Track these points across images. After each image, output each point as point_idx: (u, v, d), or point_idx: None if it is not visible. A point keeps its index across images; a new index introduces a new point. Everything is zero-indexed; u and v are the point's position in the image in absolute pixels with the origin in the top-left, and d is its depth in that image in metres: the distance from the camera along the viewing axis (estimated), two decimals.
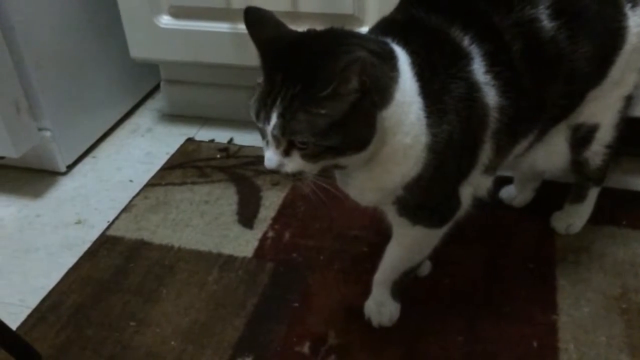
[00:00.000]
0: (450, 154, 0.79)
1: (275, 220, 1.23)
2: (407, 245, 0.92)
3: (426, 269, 1.05)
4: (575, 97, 0.91)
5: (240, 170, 1.38)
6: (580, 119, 0.96)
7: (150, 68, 1.60)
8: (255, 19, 0.76)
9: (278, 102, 0.70)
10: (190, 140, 1.50)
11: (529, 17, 0.80)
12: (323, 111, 0.69)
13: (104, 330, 1.01)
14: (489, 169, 0.88)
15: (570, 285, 1.02)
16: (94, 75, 1.49)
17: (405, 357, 0.94)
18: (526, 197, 1.18)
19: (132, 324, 1.02)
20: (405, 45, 0.77)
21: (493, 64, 0.79)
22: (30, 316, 1.05)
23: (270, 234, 1.19)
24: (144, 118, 1.62)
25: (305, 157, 0.73)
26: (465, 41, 0.79)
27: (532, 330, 0.95)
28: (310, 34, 0.75)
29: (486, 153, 0.84)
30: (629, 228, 1.12)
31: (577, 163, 1.02)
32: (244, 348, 0.97)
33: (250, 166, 1.39)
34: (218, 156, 1.43)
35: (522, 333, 0.95)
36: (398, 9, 0.86)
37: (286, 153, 0.73)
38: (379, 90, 0.72)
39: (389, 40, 0.78)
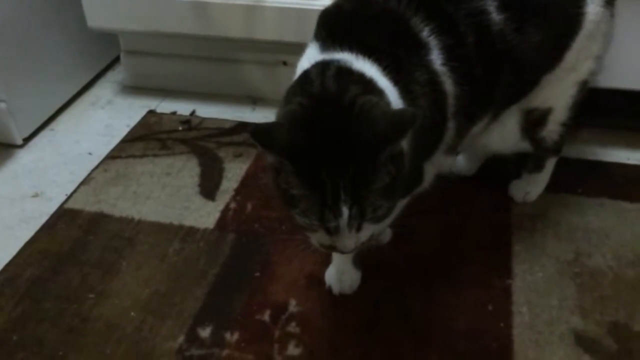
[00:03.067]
0: (422, 135, 0.80)
1: (237, 191, 1.22)
2: None
3: (387, 236, 1.07)
4: (528, 83, 0.92)
5: (202, 142, 1.37)
6: (534, 104, 0.97)
7: (110, 38, 1.56)
8: (263, 135, 0.69)
9: (342, 195, 0.67)
10: (151, 112, 1.48)
11: (478, 8, 0.81)
12: (386, 177, 0.68)
13: (62, 302, 1.00)
14: (450, 149, 0.90)
15: (525, 251, 1.04)
16: (50, 46, 1.45)
17: (365, 324, 0.95)
18: (473, 166, 1.20)
19: (90, 296, 1.01)
20: (366, 47, 0.75)
21: (450, 59, 0.80)
22: None
23: (233, 205, 1.19)
24: (104, 90, 1.59)
25: (377, 220, 0.73)
26: (425, 32, 0.79)
27: (488, 294, 0.97)
28: (310, 109, 0.70)
29: (449, 133, 0.86)
30: (584, 196, 1.15)
31: (534, 140, 1.04)
32: (204, 317, 0.97)
33: (212, 138, 1.38)
34: (180, 128, 1.41)
35: (478, 297, 0.97)
36: None
37: (358, 229, 0.72)
38: None
39: (346, 49, 0.75)
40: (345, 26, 0.80)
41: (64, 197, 1.23)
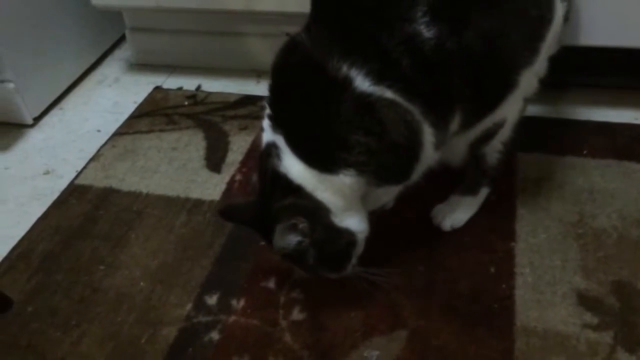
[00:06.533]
0: (397, 152, 0.83)
1: (243, 163, 1.23)
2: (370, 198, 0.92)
3: (390, 202, 1.07)
4: (498, 79, 0.86)
5: (208, 116, 1.38)
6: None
7: (116, 16, 1.57)
8: (230, 214, 0.95)
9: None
10: (158, 88, 1.49)
11: (410, 34, 0.78)
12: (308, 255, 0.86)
13: (74, 274, 1.03)
14: (437, 146, 0.87)
15: (529, 214, 1.04)
16: (56, 25, 1.46)
17: (368, 288, 0.96)
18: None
19: (101, 267, 1.04)
20: (290, 135, 0.83)
21: (381, 79, 0.78)
22: (0, 264, 1.06)
23: (238, 177, 1.20)
24: (111, 68, 1.60)
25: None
26: (344, 68, 0.78)
27: (490, 257, 0.98)
28: (256, 208, 0.89)
29: (428, 132, 0.83)
30: (589, 157, 1.13)
31: (475, 157, 0.99)
32: (211, 285, 0.99)
33: (218, 112, 1.39)
34: (186, 103, 1.43)
35: (480, 260, 0.97)
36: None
37: None
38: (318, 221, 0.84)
39: (278, 133, 0.84)
40: (277, 100, 0.86)
41: (74, 174, 1.25)
